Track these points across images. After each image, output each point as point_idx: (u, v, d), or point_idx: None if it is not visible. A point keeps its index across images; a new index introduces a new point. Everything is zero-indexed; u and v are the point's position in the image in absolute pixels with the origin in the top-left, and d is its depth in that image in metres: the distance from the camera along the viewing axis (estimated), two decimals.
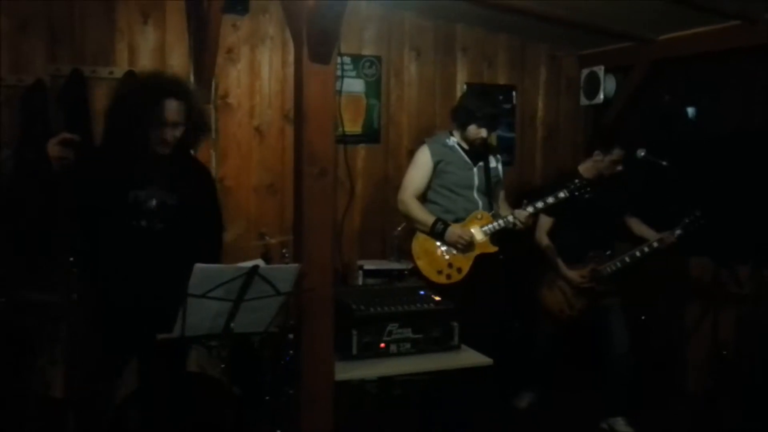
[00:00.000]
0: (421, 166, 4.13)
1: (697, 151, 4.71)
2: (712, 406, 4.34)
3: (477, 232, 4.04)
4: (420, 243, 4.13)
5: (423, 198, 4.17)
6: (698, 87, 5.03)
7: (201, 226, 3.10)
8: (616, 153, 4.36)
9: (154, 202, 2.92)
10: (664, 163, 4.24)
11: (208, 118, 3.17)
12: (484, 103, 4.10)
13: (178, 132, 2.94)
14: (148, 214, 2.91)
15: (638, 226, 4.53)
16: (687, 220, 4.26)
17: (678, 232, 4.27)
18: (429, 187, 4.15)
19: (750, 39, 4.32)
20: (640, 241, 4.39)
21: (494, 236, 4.06)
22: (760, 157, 4.39)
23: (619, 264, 4.31)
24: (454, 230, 3.98)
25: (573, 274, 4.35)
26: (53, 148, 2.61)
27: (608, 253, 4.37)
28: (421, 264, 4.05)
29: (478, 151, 4.16)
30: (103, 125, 3.19)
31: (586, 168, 4.45)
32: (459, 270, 4.01)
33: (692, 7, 4.18)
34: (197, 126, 3.06)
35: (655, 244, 4.29)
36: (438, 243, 4.05)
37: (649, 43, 5.05)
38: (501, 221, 4.04)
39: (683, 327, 4.94)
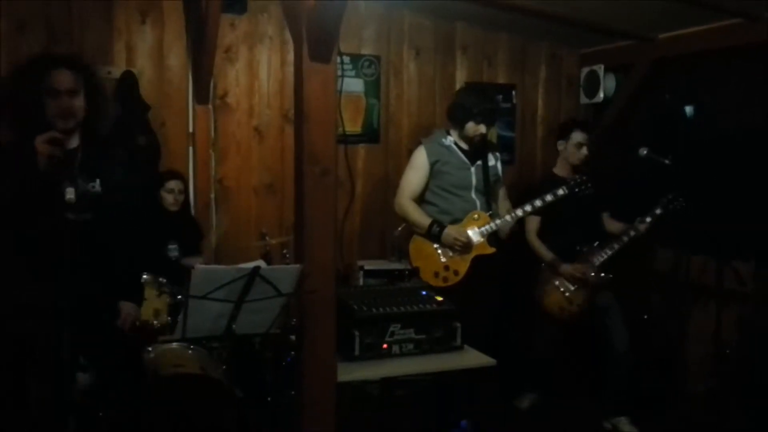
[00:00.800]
0: (418, 168, 4.11)
1: (699, 150, 4.69)
2: (715, 406, 4.33)
3: (474, 234, 4.02)
4: (417, 245, 4.12)
5: (420, 199, 4.16)
6: (699, 85, 5.01)
7: (126, 215, 2.98)
8: (576, 136, 4.43)
9: (73, 193, 2.69)
10: (667, 161, 4.23)
11: (105, 88, 3.03)
12: (480, 99, 4.08)
13: (75, 102, 2.80)
14: (71, 205, 2.69)
15: (612, 224, 4.54)
16: (665, 200, 4.27)
17: (658, 211, 4.27)
18: (426, 187, 4.13)
19: (751, 37, 4.31)
20: (611, 236, 4.40)
21: (491, 237, 4.05)
22: (762, 155, 4.38)
23: (609, 251, 4.33)
24: (450, 232, 3.96)
25: (569, 268, 4.36)
26: (41, 145, 2.58)
27: (596, 244, 4.38)
28: (419, 266, 4.04)
29: (476, 150, 4.14)
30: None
31: (559, 167, 4.56)
32: (456, 272, 4.00)
33: (693, 4, 4.16)
34: (95, 98, 2.90)
35: (632, 233, 4.30)
36: (435, 245, 4.04)
37: (649, 42, 5.03)
38: (499, 221, 4.02)
39: (685, 326, 4.92)
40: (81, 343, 2.65)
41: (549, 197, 4.06)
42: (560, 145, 4.52)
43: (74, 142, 2.88)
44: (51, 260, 2.65)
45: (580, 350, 4.83)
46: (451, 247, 3.99)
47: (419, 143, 4.22)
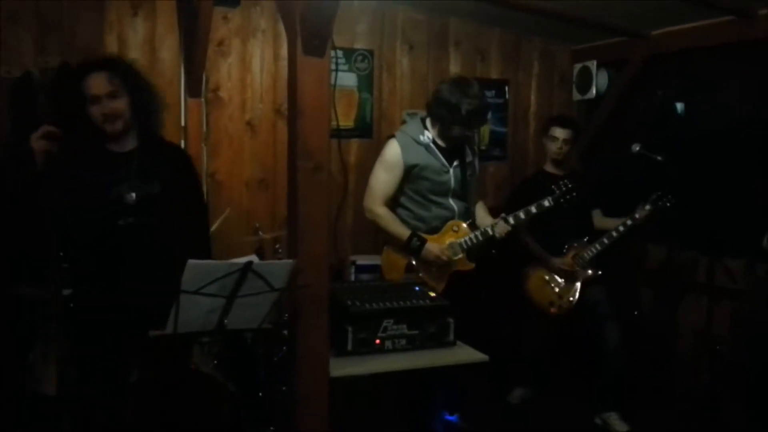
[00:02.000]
0: (391, 167, 3.77)
1: (691, 146, 4.71)
2: (706, 402, 4.35)
3: (453, 248, 3.81)
4: (390, 258, 3.92)
5: (393, 201, 3.87)
6: (692, 82, 5.02)
7: (186, 216, 3.02)
8: (552, 131, 4.55)
9: (134, 196, 2.83)
10: (659, 157, 4.24)
11: (151, 87, 3.03)
12: (469, 98, 3.68)
13: (117, 104, 2.81)
14: (131, 209, 2.83)
15: (603, 221, 4.57)
16: (654, 196, 4.29)
17: (648, 207, 4.29)
18: (400, 189, 3.83)
19: (744, 34, 4.32)
20: (602, 232, 4.43)
21: (471, 252, 3.85)
22: (754, 152, 4.39)
23: (599, 246, 4.36)
24: (431, 249, 3.72)
25: (558, 262, 4.37)
26: (36, 141, 2.56)
27: (586, 239, 4.40)
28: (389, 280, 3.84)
29: (456, 146, 3.86)
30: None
31: (548, 164, 4.65)
32: (432, 290, 3.71)
33: (686, 1, 4.16)
34: (139, 96, 2.90)
35: (629, 222, 4.31)
36: (411, 259, 3.84)
37: (642, 38, 5.04)
38: (479, 234, 3.82)
39: (677, 322, 4.94)
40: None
41: (533, 209, 3.93)
42: (544, 141, 4.64)
43: (131, 143, 2.89)
44: (116, 264, 2.72)
45: (571, 346, 4.84)
46: (430, 264, 3.79)
47: (391, 136, 3.89)
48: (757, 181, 4.33)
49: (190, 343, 3.09)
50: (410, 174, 3.78)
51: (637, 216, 4.30)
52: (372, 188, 3.82)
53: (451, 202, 3.88)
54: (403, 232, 3.78)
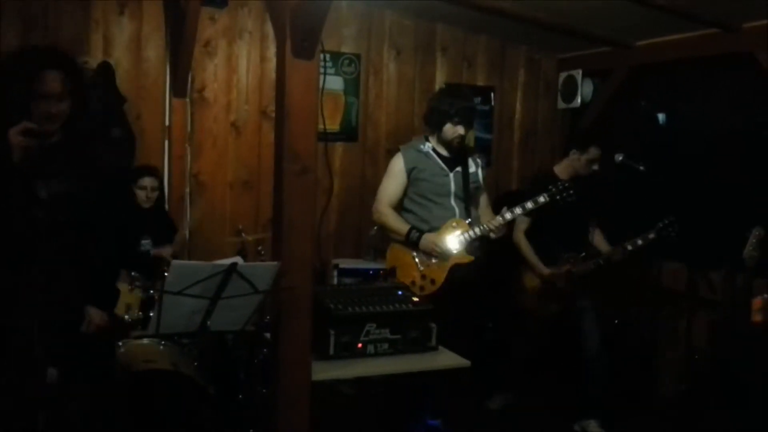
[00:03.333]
0: (395, 175, 4.04)
1: (672, 157, 4.75)
2: (685, 409, 4.37)
3: (452, 242, 3.95)
4: (394, 253, 4.08)
5: (399, 206, 4.10)
6: (675, 93, 5.07)
7: (96, 216, 2.89)
8: (593, 152, 4.38)
9: (45, 192, 2.69)
10: (642, 167, 4.27)
11: (87, 85, 2.96)
12: (456, 99, 4.00)
13: (62, 106, 2.71)
14: (42, 204, 2.68)
15: (598, 238, 4.55)
16: (661, 225, 4.29)
17: (651, 235, 4.29)
18: (405, 195, 4.07)
19: (727, 47, 4.37)
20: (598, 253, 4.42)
21: (470, 246, 3.97)
22: (735, 162, 4.44)
23: (592, 266, 4.34)
24: (428, 238, 3.90)
25: (551, 273, 4.37)
26: (15, 137, 2.52)
27: (582, 255, 4.39)
28: (396, 275, 3.98)
29: (456, 155, 4.07)
30: None
31: (562, 168, 4.47)
32: (433, 281, 3.93)
33: (671, 13, 4.21)
34: (78, 102, 2.79)
35: (629, 247, 4.32)
36: (413, 254, 3.97)
37: (627, 49, 5.09)
38: (477, 230, 3.95)
39: (657, 331, 4.98)
40: (51, 340, 2.61)
41: (530, 204, 3.99)
42: (573, 154, 4.41)
43: (54, 138, 2.83)
44: (23, 257, 2.62)
45: (553, 352, 4.86)
46: (429, 254, 3.93)
47: (397, 150, 4.16)
48: (738, 192, 4.37)
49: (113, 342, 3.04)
50: (411, 177, 4.02)
51: (639, 243, 4.29)
52: (378, 194, 4.09)
53: (453, 203, 4.02)
54: (403, 226, 3.98)
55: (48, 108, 2.68)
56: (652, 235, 4.28)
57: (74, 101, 2.77)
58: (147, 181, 4.22)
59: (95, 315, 2.88)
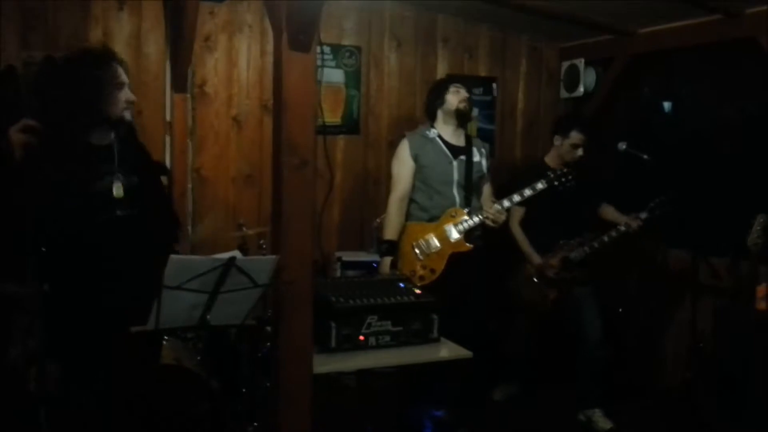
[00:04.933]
0: (403, 161, 4.08)
1: (676, 145, 4.72)
2: (689, 399, 4.36)
3: (451, 231, 3.97)
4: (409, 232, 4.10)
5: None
6: (678, 81, 5.03)
7: (158, 207, 3.06)
8: (574, 136, 4.42)
9: (121, 188, 2.82)
10: (645, 156, 4.25)
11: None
12: (450, 80, 4.19)
13: (133, 96, 2.91)
14: (118, 202, 2.81)
15: (610, 213, 4.55)
16: (652, 204, 4.29)
17: (644, 215, 4.28)
18: (413, 183, 4.09)
19: (730, 33, 4.34)
20: (611, 226, 4.41)
21: (468, 234, 3.99)
22: (738, 150, 4.41)
23: (587, 249, 4.34)
24: (383, 264, 4.01)
25: (544, 263, 4.36)
26: (15, 135, 2.53)
27: (577, 240, 4.38)
28: (398, 265, 4.02)
29: (462, 143, 4.10)
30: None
31: (551, 158, 4.54)
32: (432, 271, 3.96)
33: (673, 0, 4.17)
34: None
35: (622, 228, 4.32)
36: (413, 244, 4.00)
37: (629, 36, 5.05)
38: (475, 218, 3.97)
39: (661, 319, 4.96)
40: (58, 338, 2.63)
41: (528, 191, 4.01)
42: (557, 140, 4.49)
43: (110, 137, 2.87)
44: (90, 258, 2.70)
45: (556, 342, 4.85)
46: (427, 244, 3.98)
47: (403, 136, 4.19)
48: (742, 179, 4.34)
49: (159, 341, 3.08)
50: (417, 163, 4.05)
51: (631, 223, 4.29)
52: (393, 182, 4.13)
53: (455, 192, 4.05)
54: (388, 233, 4.06)
55: (127, 96, 2.86)
56: (644, 215, 4.31)
57: None
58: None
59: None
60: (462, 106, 4.05)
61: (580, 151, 4.42)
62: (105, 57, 2.85)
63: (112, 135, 2.88)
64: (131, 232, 2.83)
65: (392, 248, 4.01)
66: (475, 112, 5.13)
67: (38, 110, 2.71)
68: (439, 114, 4.11)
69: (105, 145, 2.86)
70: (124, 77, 2.85)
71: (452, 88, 4.05)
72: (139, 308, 2.56)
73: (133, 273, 2.76)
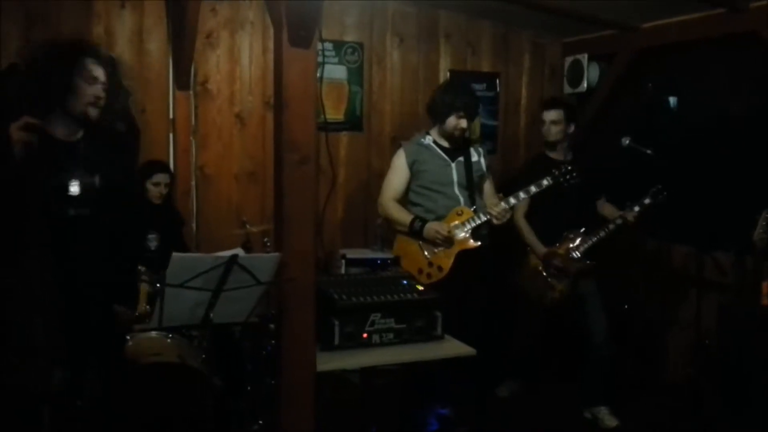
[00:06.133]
0: (398, 169, 4.11)
1: (680, 139, 4.70)
2: (694, 395, 4.35)
3: (457, 228, 3.98)
4: (400, 243, 4.12)
5: (405, 201, 4.15)
6: (682, 75, 5.01)
7: (122, 209, 2.97)
8: (545, 115, 4.48)
9: (77, 187, 2.75)
10: (649, 151, 4.24)
11: (121, 86, 3.05)
12: (460, 92, 4.08)
13: (103, 94, 2.80)
14: (74, 200, 2.74)
15: (607, 209, 4.54)
16: (655, 189, 4.27)
17: (636, 208, 4.27)
18: (409, 189, 4.12)
19: (734, 27, 4.31)
20: (609, 222, 4.40)
21: (475, 232, 3.99)
22: (743, 145, 4.39)
23: (593, 239, 4.33)
24: (431, 226, 3.94)
25: (550, 252, 4.35)
26: (17, 132, 2.52)
27: (582, 230, 4.38)
28: (403, 264, 4.03)
29: (457, 146, 4.12)
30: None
31: (547, 149, 4.56)
32: (440, 268, 3.96)
33: None
34: (112, 94, 2.88)
35: (619, 221, 4.30)
36: (419, 243, 4.01)
37: (633, 31, 5.03)
38: (482, 216, 3.98)
39: (665, 316, 4.94)
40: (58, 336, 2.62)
41: (533, 188, 4.02)
42: (541, 127, 4.55)
43: (79, 134, 2.84)
44: (54, 253, 2.63)
45: (561, 339, 4.84)
46: (433, 241, 3.96)
47: (399, 146, 4.21)
48: (747, 175, 4.32)
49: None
50: (413, 170, 4.08)
51: (636, 209, 4.27)
52: (383, 188, 4.18)
53: (457, 192, 4.06)
54: (406, 217, 4.03)
55: (96, 92, 2.77)
56: (647, 200, 4.27)
57: (107, 93, 2.83)
58: (160, 177, 4.22)
59: (123, 313, 2.90)
60: (457, 134, 4.06)
61: (555, 128, 4.43)
62: (73, 50, 2.78)
63: (81, 133, 2.84)
64: (86, 233, 2.76)
65: (420, 218, 3.99)
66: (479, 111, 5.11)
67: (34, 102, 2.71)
68: (437, 126, 4.14)
69: (71, 141, 2.79)
70: (96, 73, 2.77)
71: (456, 114, 4.00)
72: (101, 311, 2.54)
73: (90, 274, 2.73)
